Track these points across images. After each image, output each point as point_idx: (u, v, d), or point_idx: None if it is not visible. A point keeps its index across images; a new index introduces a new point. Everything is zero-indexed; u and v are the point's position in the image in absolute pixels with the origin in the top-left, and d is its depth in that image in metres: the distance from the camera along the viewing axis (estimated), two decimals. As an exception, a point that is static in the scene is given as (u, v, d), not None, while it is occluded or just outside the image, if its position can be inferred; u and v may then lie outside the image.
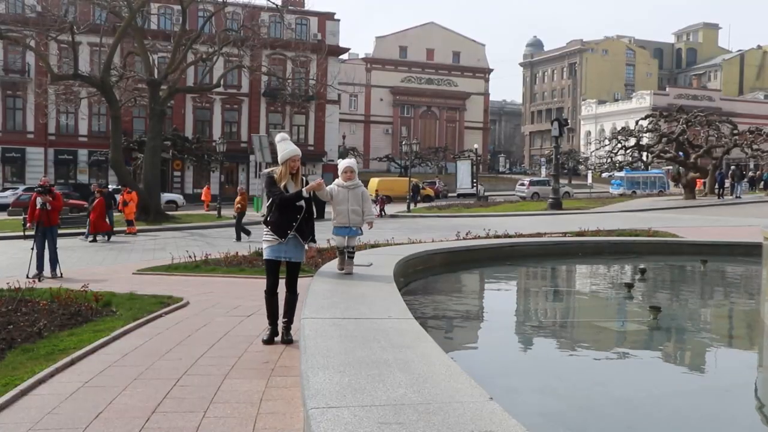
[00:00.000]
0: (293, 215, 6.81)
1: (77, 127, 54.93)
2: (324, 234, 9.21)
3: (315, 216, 7.26)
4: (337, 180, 7.75)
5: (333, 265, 8.32)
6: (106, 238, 23.04)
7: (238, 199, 23.81)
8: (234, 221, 23.92)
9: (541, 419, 4.90)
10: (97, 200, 22.79)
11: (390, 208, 40.56)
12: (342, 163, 7.86)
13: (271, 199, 6.89)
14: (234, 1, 46.23)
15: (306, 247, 7.16)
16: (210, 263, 14.25)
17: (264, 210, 7.29)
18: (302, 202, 6.85)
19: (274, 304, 7.01)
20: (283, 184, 6.84)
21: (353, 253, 7.85)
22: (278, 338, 6.99)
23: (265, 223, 6.95)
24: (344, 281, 7.41)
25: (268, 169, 7.21)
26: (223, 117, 59.29)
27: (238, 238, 22.27)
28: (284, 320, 6.95)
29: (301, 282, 7.24)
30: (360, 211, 7.63)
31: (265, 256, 6.97)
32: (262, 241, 7.01)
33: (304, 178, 7.06)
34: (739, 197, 41.13)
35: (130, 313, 8.78)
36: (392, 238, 17.38)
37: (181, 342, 7.32)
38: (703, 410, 5.52)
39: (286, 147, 6.95)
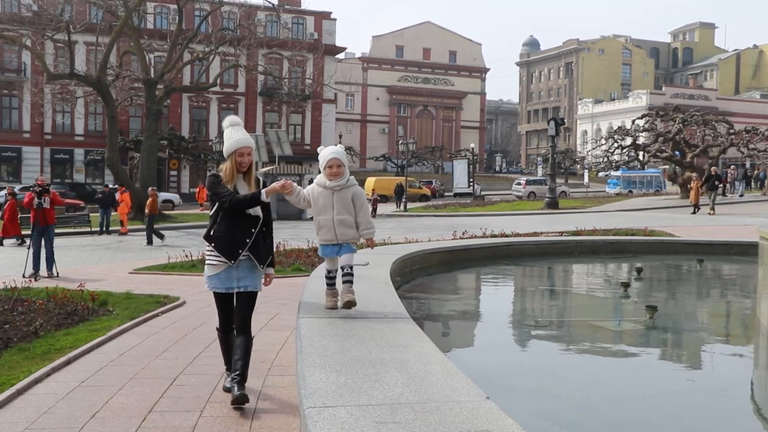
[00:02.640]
0: (246, 227, 5.02)
1: (73, 126, 54.86)
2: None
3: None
4: (318, 177, 5.56)
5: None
6: (18, 242, 21.84)
7: (148, 201, 22.97)
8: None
9: (537, 418, 4.90)
10: (8, 203, 22.44)
11: (386, 208, 40.56)
12: (324, 153, 5.52)
13: (216, 205, 5.09)
14: (230, 0, 46.20)
15: (263, 273, 5.22)
16: (206, 262, 14.22)
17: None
18: (258, 210, 5.06)
19: (230, 343, 5.23)
20: (231, 185, 5.04)
21: (352, 275, 5.53)
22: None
23: (208, 238, 5.07)
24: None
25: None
26: (220, 116, 59.09)
27: (149, 242, 21.46)
28: (235, 374, 4.99)
29: (297, 281, 7.19)
30: (352, 221, 5.44)
31: (209, 287, 5.10)
32: (205, 265, 5.14)
33: (259, 178, 5.23)
34: (742, 195, 41.85)
35: (126, 312, 8.77)
36: (389, 237, 17.38)
37: (177, 341, 7.32)
38: (698, 409, 5.53)
39: (231, 135, 5.11)
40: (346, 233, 5.43)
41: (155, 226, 22.49)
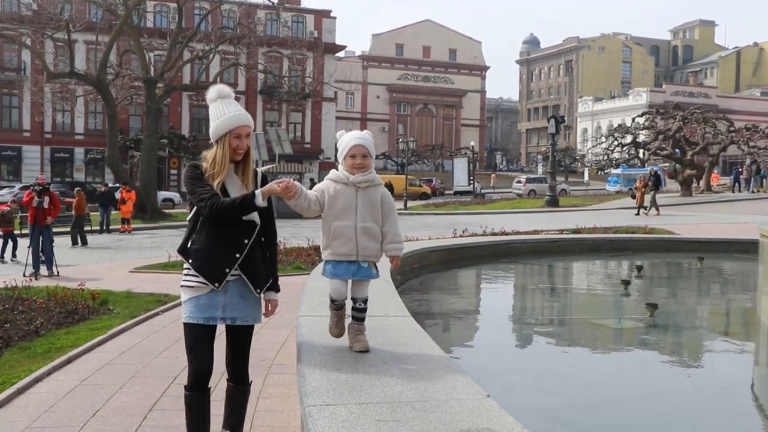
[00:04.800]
0: (237, 238, 3.65)
1: (73, 125, 54.86)
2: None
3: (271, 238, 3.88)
4: (333, 172, 4.16)
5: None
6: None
7: (74, 202, 21.98)
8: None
9: (537, 416, 4.91)
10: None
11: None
12: (347, 139, 4.17)
13: (194, 209, 3.70)
14: (230, -2, 46.24)
15: (263, 299, 3.85)
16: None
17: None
18: (255, 215, 3.70)
19: (203, 409, 3.74)
20: (218, 181, 3.65)
21: (365, 309, 4.18)
22: None
23: (184, 252, 3.72)
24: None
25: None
26: (220, 115, 59.10)
27: (74, 243, 20.52)
28: None
29: (298, 280, 7.15)
30: (378, 232, 4.09)
31: (185, 318, 3.65)
32: (181, 287, 3.74)
33: (258, 171, 3.87)
34: (753, 191, 42.28)
35: (126, 311, 8.78)
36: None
37: (178, 340, 7.31)
38: (699, 408, 5.53)
39: (223, 109, 3.72)
40: (369, 247, 4.05)
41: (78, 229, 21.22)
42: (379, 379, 3.62)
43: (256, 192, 3.57)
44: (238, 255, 3.64)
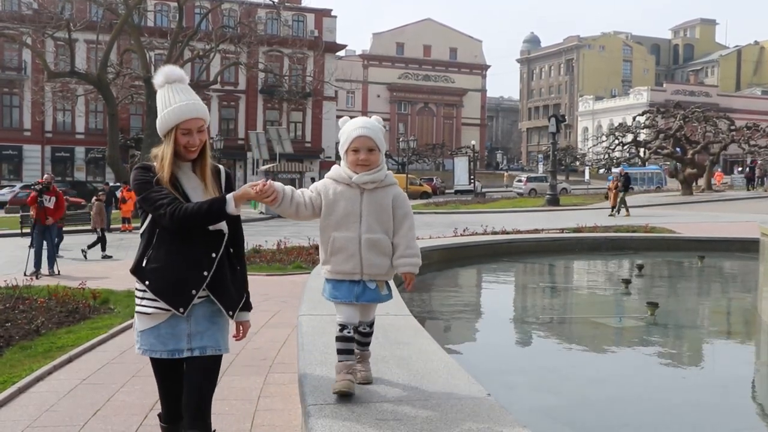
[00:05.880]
0: (204, 253, 3.06)
1: (74, 124, 54.92)
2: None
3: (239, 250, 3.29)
4: (334, 168, 3.35)
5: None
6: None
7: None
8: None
9: (538, 415, 4.91)
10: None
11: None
12: (348, 128, 3.29)
13: (148, 219, 3.17)
14: (230, -3, 46.27)
15: (232, 322, 3.22)
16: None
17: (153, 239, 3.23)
18: (223, 223, 3.09)
19: None
20: (167, 184, 3.05)
21: (371, 332, 3.48)
22: None
23: (138, 272, 3.16)
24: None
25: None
26: (220, 114, 59.22)
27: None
28: None
29: (298, 279, 7.12)
30: (388, 245, 3.27)
31: (141, 349, 3.22)
32: (136, 312, 3.26)
33: (221, 168, 3.27)
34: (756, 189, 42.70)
35: (127, 310, 8.77)
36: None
37: (179, 339, 7.31)
38: (700, 406, 5.53)
39: (169, 98, 3.06)
40: (376, 264, 3.25)
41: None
42: (379, 378, 3.62)
43: (228, 197, 2.93)
44: (206, 273, 3.03)
